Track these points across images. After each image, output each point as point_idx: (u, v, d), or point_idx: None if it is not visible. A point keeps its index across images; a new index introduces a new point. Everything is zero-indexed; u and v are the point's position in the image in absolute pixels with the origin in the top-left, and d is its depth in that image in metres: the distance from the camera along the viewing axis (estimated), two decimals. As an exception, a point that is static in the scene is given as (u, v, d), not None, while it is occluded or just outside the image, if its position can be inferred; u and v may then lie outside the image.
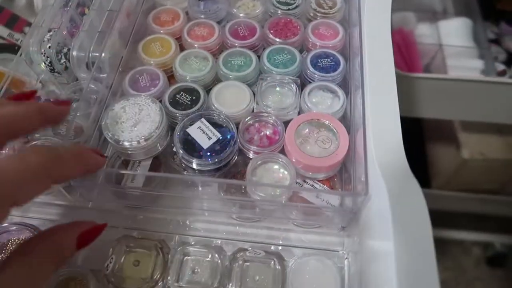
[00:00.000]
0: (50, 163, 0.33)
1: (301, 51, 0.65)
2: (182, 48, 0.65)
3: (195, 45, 0.64)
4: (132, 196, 0.55)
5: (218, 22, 0.67)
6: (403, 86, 1.19)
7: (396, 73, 1.18)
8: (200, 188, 0.58)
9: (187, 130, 0.54)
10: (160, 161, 0.57)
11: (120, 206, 0.56)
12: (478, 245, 1.92)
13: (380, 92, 0.52)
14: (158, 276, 0.49)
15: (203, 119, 0.55)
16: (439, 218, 1.88)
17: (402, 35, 1.37)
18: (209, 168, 0.53)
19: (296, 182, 0.54)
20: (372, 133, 0.49)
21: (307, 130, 0.55)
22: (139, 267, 0.50)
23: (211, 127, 0.55)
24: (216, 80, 0.62)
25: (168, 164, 0.57)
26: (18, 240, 0.52)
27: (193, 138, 0.54)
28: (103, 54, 0.57)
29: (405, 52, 1.34)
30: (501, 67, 1.32)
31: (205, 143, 0.53)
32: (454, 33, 1.35)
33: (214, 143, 0.53)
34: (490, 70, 1.28)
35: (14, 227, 0.51)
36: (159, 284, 0.50)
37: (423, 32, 1.38)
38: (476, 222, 1.83)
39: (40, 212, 0.56)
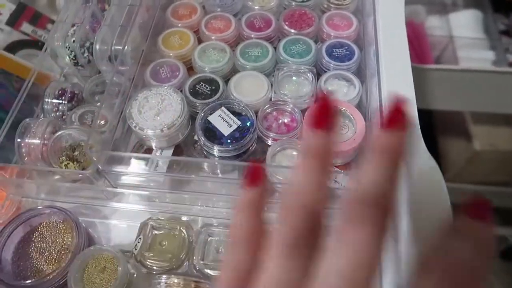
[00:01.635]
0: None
1: (315, 42, 0.66)
2: (199, 40, 0.67)
3: (213, 37, 0.66)
4: (156, 182, 0.57)
5: (234, 15, 0.69)
6: (414, 78, 1.19)
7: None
8: (220, 175, 0.60)
9: (208, 118, 0.56)
10: (182, 149, 0.59)
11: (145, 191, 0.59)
12: (491, 238, 1.91)
13: (396, 79, 0.54)
14: (184, 255, 0.51)
15: (223, 108, 0.57)
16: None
17: (413, 27, 1.37)
18: (229, 155, 0.55)
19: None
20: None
21: (324, 117, 0.57)
22: (165, 247, 0.52)
23: (231, 115, 0.56)
24: (234, 70, 0.64)
25: (189, 152, 0.59)
26: (49, 223, 0.54)
27: (214, 126, 0.56)
28: (125, 48, 0.59)
29: (416, 44, 1.34)
30: (512, 58, 1.32)
31: (226, 130, 0.55)
32: (464, 25, 1.35)
33: (234, 130, 0.55)
34: (501, 61, 1.28)
35: (48, 210, 0.54)
36: (185, 263, 0.52)
37: (434, 24, 1.38)
38: (488, 215, 1.82)
39: (70, 196, 0.59)
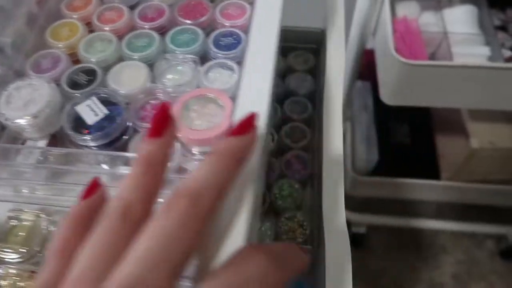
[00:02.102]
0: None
1: (209, 32, 0.65)
2: (92, 32, 0.67)
3: (105, 28, 0.65)
4: (27, 173, 0.57)
5: (131, 7, 0.68)
6: (409, 75, 1.17)
7: (401, 61, 1.16)
8: (105, 166, 0.59)
9: (75, 108, 0.56)
10: (57, 140, 0.59)
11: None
12: (491, 237, 1.87)
13: (256, 71, 0.53)
14: (38, 247, 0.51)
15: (93, 97, 0.56)
16: (450, 210, 1.82)
17: (406, 23, 1.35)
18: (97, 144, 0.55)
19: (184, 156, 0.55)
20: (239, 105, 0.49)
21: (196, 106, 0.55)
22: (19, 239, 0.52)
23: (100, 105, 0.56)
24: (122, 61, 0.63)
25: (65, 143, 0.59)
26: None
27: (80, 116, 0.55)
28: (6, 39, 0.60)
29: (408, 40, 1.32)
30: (508, 53, 1.27)
31: (91, 119, 0.55)
32: (459, 21, 1.32)
33: (102, 119, 0.55)
34: (497, 56, 1.24)
35: None
36: (39, 255, 0.51)
37: (428, 20, 1.35)
38: (488, 214, 1.78)
39: None
